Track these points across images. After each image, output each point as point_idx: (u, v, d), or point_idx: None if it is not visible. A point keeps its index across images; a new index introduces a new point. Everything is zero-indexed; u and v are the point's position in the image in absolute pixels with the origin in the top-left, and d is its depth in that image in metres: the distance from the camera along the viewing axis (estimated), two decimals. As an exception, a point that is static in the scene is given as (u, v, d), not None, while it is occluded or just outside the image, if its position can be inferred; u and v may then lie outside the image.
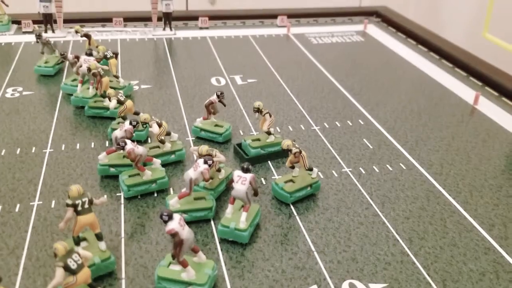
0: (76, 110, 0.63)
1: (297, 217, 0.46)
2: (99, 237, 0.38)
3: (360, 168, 0.53)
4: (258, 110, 0.53)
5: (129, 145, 0.46)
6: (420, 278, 0.39)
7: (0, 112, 0.62)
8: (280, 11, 1.02)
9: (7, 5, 0.89)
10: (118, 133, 0.49)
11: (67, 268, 0.32)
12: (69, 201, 0.37)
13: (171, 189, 0.49)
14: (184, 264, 0.36)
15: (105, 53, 0.65)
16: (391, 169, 0.53)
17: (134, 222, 0.44)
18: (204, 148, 0.45)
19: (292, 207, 0.47)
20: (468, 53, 0.86)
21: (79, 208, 0.37)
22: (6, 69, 0.74)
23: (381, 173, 0.53)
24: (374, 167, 0.54)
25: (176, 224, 0.35)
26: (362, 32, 0.97)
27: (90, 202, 0.37)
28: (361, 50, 0.90)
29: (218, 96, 0.56)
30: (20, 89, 0.68)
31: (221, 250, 0.41)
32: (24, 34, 0.88)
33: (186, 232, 0.36)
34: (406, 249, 0.42)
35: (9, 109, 0.63)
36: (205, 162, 0.43)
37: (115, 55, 0.66)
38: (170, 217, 0.35)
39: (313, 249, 0.42)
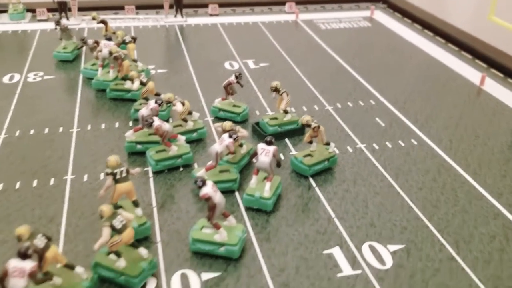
0: (97, 93, 0.65)
1: (316, 189, 0.48)
2: (135, 204, 0.41)
3: (374, 144, 0.56)
4: (276, 90, 0.55)
5: (157, 121, 0.48)
6: (435, 240, 0.42)
7: (24, 95, 0.64)
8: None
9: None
10: (144, 111, 0.51)
11: (113, 228, 0.35)
12: (109, 170, 0.39)
13: (195, 164, 0.51)
14: (217, 226, 0.39)
15: (124, 38, 0.67)
16: (403, 144, 0.56)
17: (163, 193, 0.47)
18: (228, 123, 0.48)
19: (311, 179, 0.49)
20: (473, 37, 0.88)
21: (118, 176, 0.39)
22: (25, 55, 0.76)
23: (394, 148, 0.55)
24: (386, 143, 0.56)
25: (210, 189, 0.38)
26: (369, 18, 0.99)
27: (127, 171, 0.40)
28: (368, 35, 0.92)
29: (236, 77, 0.59)
30: (41, 73, 0.70)
31: (247, 217, 0.44)
32: (39, 22, 0.90)
33: (218, 197, 0.38)
34: (421, 215, 0.45)
35: (32, 92, 0.65)
36: (230, 136, 0.46)
37: (134, 39, 0.68)
38: (204, 183, 0.38)
39: (333, 216, 0.45)
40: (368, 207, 0.46)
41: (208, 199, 0.38)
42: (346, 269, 0.39)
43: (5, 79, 0.68)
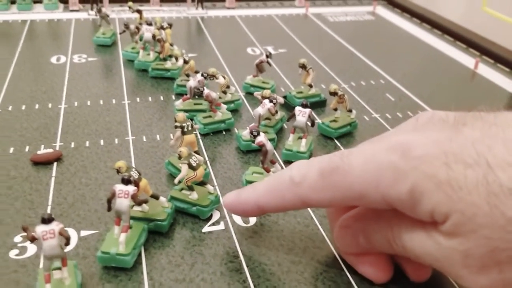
0: (138, 72, 0.73)
1: (341, 147, 0.57)
2: (197, 152, 0.49)
3: (387, 114, 0.65)
4: (303, 66, 0.64)
5: (206, 90, 0.56)
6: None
7: (74, 73, 0.72)
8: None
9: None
10: (192, 83, 0.59)
11: (190, 165, 0.43)
12: (178, 124, 0.47)
13: (235, 128, 0.59)
14: (267, 170, 0.47)
15: (162, 24, 0.75)
16: (412, 115, 0.65)
17: (212, 151, 0.55)
18: (267, 91, 0.56)
19: (336, 141, 0.58)
20: (466, 29, 0.98)
21: (185, 129, 0.47)
22: (66, 41, 0.84)
23: (404, 118, 0.64)
24: (397, 113, 0.65)
25: (263, 138, 0.46)
26: (372, 12, 1.09)
27: (192, 126, 0.48)
28: (373, 27, 1.01)
29: (267, 56, 0.67)
30: (84, 56, 0.78)
31: (287, 168, 0.52)
32: (71, 12, 0.97)
33: (269, 145, 0.47)
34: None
35: (81, 71, 0.73)
36: (270, 101, 0.54)
37: (170, 25, 0.76)
38: (258, 133, 0.46)
39: (357, 168, 0.53)
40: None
41: (262, 146, 0.46)
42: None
43: (53, 60, 0.76)
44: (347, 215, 0.39)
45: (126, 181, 0.39)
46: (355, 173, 0.34)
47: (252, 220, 0.45)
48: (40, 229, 0.34)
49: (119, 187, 0.39)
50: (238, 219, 0.45)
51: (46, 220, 0.34)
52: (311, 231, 0.44)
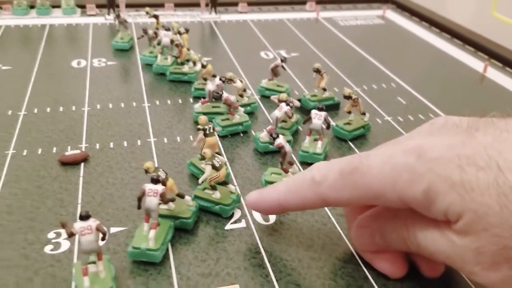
0: (156, 76, 0.75)
1: (355, 149, 0.59)
2: (218, 153, 0.51)
3: (399, 117, 0.67)
4: (317, 70, 0.66)
5: (225, 94, 0.59)
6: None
7: (94, 77, 0.75)
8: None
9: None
10: (211, 87, 0.62)
11: (213, 166, 0.45)
12: (200, 126, 0.50)
13: (252, 131, 0.62)
14: (285, 171, 0.49)
15: (179, 29, 0.78)
16: (423, 118, 0.67)
17: (231, 152, 0.57)
18: (284, 95, 0.58)
19: (350, 143, 0.60)
20: (475, 33, 1.00)
21: (207, 131, 0.49)
22: (85, 45, 0.87)
23: (416, 121, 0.66)
24: (409, 116, 0.67)
25: (282, 140, 0.48)
26: (381, 16, 1.11)
27: (213, 128, 0.50)
28: (383, 31, 1.03)
29: (281, 61, 0.69)
30: (104, 60, 0.81)
31: (302, 170, 0.55)
32: (89, 16, 1.00)
33: (287, 147, 0.49)
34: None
35: (101, 74, 0.76)
36: (287, 104, 0.56)
37: (187, 31, 0.79)
38: (278, 135, 0.48)
39: (371, 169, 0.55)
40: (398, 163, 0.57)
41: (281, 147, 0.48)
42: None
43: (74, 64, 0.79)
44: (364, 215, 0.41)
45: (155, 181, 0.41)
46: (373, 174, 0.36)
47: (272, 219, 0.47)
48: (78, 225, 0.36)
49: (149, 186, 0.41)
50: (258, 218, 0.47)
51: (84, 217, 0.36)
52: (328, 229, 0.46)
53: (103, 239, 0.36)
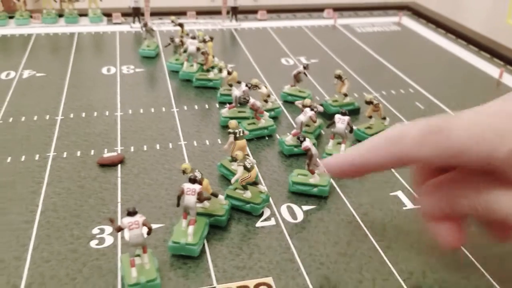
0: (182, 82, 0.79)
1: (376, 152, 0.61)
2: (247, 155, 0.54)
3: (417, 121, 0.69)
4: (339, 77, 0.69)
5: (252, 99, 0.62)
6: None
7: (124, 83, 0.78)
8: (325, 5, 1.18)
9: (101, 0, 1.05)
10: (237, 93, 0.65)
11: (245, 167, 0.48)
12: (231, 130, 0.53)
13: (276, 135, 0.64)
14: (312, 172, 0.52)
15: (204, 37, 0.81)
16: (440, 122, 0.69)
17: (257, 154, 0.60)
18: (308, 100, 0.61)
19: (370, 146, 0.63)
20: (491, 39, 1.02)
21: (237, 135, 0.52)
22: (113, 52, 0.91)
23: (433, 125, 0.68)
24: (427, 120, 0.69)
25: (308, 142, 0.51)
26: (397, 23, 1.13)
27: (243, 132, 0.53)
28: (399, 37, 1.06)
29: (304, 67, 0.72)
30: (132, 67, 0.84)
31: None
32: (115, 25, 1.04)
33: (314, 150, 0.51)
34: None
35: (131, 81, 0.79)
36: (312, 109, 0.59)
37: (211, 38, 0.82)
38: (304, 139, 0.51)
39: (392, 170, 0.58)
40: (418, 165, 0.59)
41: (308, 150, 0.51)
42: (410, 205, 0.52)
43: (104, 71, 0.83)
44: (433, 180, 0.41)
45: (193, 180, 0.44)
46: (457, 132, 0.35)
47: (300, 217, 0.50)
48: (126, 221, 0.39)
49: (187, 186, 0.44)
50: (287, 216, 0.50)
51: (132, 213, 0.39)
52: (353, 227, 0.49)
53: (149, 233, 0.40)
